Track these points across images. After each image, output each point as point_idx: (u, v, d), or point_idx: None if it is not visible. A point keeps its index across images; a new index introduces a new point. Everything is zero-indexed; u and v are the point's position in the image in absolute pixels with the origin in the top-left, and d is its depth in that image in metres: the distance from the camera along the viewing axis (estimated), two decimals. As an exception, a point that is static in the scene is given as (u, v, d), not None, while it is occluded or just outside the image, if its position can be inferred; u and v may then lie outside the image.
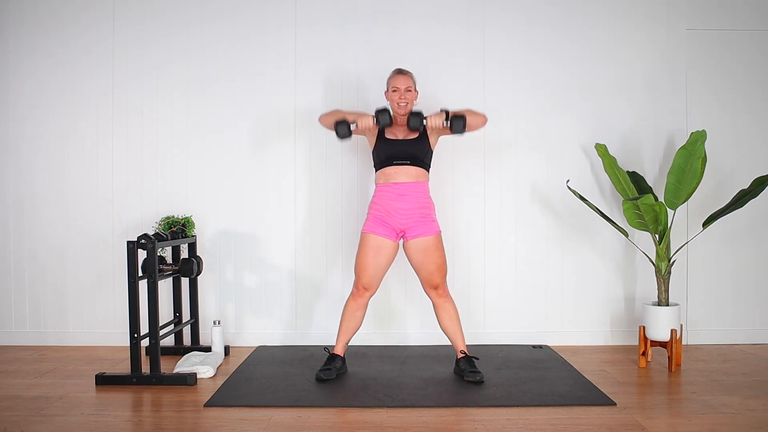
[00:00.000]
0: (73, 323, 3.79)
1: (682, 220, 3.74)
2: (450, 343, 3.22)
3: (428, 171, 3.15)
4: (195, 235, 3.59)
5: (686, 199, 3.35)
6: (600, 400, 2.74)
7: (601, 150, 3.49)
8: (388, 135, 3.15)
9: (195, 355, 3.30)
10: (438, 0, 3.77)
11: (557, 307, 3.79)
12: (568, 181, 3.61)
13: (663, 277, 3.32)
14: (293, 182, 3.77)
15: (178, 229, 3.38)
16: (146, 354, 3.20)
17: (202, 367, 3.12)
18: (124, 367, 3.26)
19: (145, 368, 3.10)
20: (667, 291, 3.32)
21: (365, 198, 3.69)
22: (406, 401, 2.73)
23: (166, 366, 3.23)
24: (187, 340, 3.69)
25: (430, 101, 3.70)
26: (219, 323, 3.49)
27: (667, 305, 3.30)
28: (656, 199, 3.20)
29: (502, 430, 2.42)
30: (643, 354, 3.30)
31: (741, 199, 3.32)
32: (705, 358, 3.48)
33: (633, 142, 3.77)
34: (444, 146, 3.70)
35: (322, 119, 3.20)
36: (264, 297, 3.78)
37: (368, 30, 3.76)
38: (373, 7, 3.76)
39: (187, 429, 2.45)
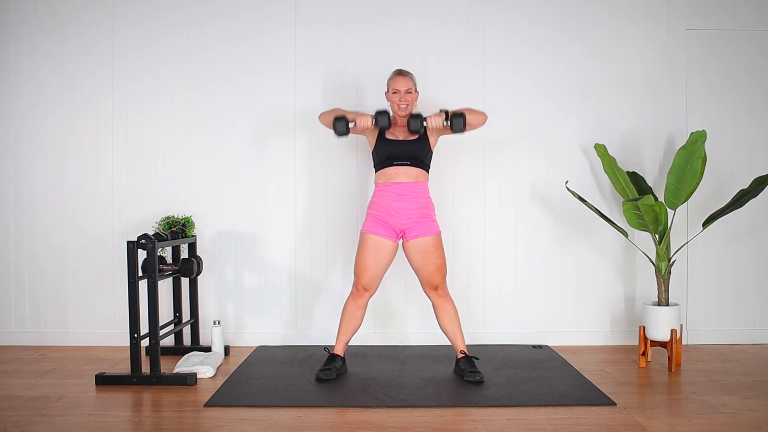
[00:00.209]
0: (73, 323, 3.79)
1: (682, 220, 3.74)
2: (450, 343, 3.22)
3: (428, 171, 3.16)
4: (195, 235, 3.59)
5: (686, 199, 3.35)
6: (600, 400, 2.74)
7: (601, 150, 3.49)
8: (389, 135, 3.15)
9: (195, 355, 3.30)
10: (438, 0, 3.77)
11: (557, 307, 3.79)
12: (567, 182, 3.61)
13: (663, 277, 3.32)
14: (293, 182, 3.77)
15: (178, 229, 3.38)
16: (146, 354, 3.20)
17: (202, 367, 3.12)
18: (124, 367, 3.26)
19: (145, 368, 3.10)
20: (667, 291, 3.32)
21: (365, 198, 3.69)
22: (406, 401, 2.73)
23: (166, 366, 3.23)
24: (187, 340, 3.69)
25: (430, 101, 3.70)
26: (219, 323, 3.49)
27: (667, 305, 3.30)
28: (656, 199, 3.20)
29: (502, 430, 2.42)
30: (643, 354, 3.30)
31: (741, 199, 3.32)
32: (705, 358, 3.48)
33: (633, 142, 3.77)
34: (444, 146, 3.70)
35: (322, 117, 3.20)
36: (264, 297, 3.78)
37: (368, 30, 3.76)
38: (373, 7, 3.76)
39: (187, 429, 2.45)
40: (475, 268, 3.76)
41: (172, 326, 3.54)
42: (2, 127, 3.79)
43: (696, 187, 3.32)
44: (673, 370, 3.20)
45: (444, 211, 3.66)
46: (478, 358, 3.14)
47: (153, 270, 3.05)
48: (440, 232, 3.14)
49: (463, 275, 3.74)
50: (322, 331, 3.72)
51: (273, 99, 3.76)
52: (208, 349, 3.51)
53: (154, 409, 2.72)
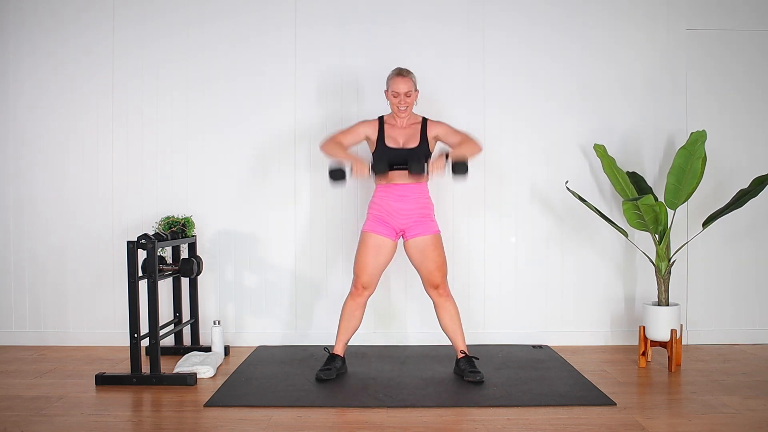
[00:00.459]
0: (73, 323, 3.79)
1: (682, 220, 3.74)
2: (450, 343, 3.22)
3: (428, 173, 3.15)
4: (195, 235, 3.59)
5: (686, 199, 3.35)
6: (600, 400, 2.74)
7: (600, 150, 3.49)
8: (389, 141, 3.12)
9: (195, 355, 3.30)
10: (438, 0, 3.76)
11: (557, 307, 3.79)
12: (567, 182, 3.61)
13: (663, 277, 3.32)
14: (293, 182, 3.77)
15: (178, 229, 3.38)
16: (146, 354, 3.20)
17: (202, 367, 3.12)
18: (124, 367, 3.26)
19: (145, 368, 3.10)
20: (667, 291, 3.32)
21: (365, 197, 3.69)
22: (406, 401, 2.73)
23: (166, 366, 3.23)
24: (187, 340, 3.69)
25: (430, 101, 3.70)
26: (219, 323, 3.49)
27: (667, 305, 3.30)
28: (656, 199, 3.20)
29: (502, 430, 2.42)
30: (643, 354, 3.30)
31: (741, 198, 3.32)
32: (705, 358, 3.48)
33: (633, 142, 3.77)
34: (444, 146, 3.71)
35: (323, 148, 3.17)
36: (264, 297, 3.78)
37: (368, 30, 3.76)
38: (373, 7, 3.76)
39: (187, 429, 2.45)
40: (475, 268, 3.76)
41: (172, 326, 3.54)
42: (2, 127, 3.79)
43: (696, 187, 3.32)
44: (673, 370, 3.20)
45: (444, 211, 3.67)
46: (478, 358, 3.14)
47: (153, 270, 3.05)
48: (439, 231, 3.14)
49: (463, 275, 3.74)
50: (322, 331, 3.72)
51: (273, 99, 3.76)
52: (208, 349, 3.51)
53: (154, 409, 2.72)
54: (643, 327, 3.31)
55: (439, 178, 3.15)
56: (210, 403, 2.72)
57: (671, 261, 3.36)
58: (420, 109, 3.77)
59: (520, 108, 3.77)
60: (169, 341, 3.65)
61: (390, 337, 3.77)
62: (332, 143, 3.14)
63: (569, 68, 3.77)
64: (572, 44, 3.77)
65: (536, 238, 3.78)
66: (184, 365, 3.14)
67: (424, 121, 3.19)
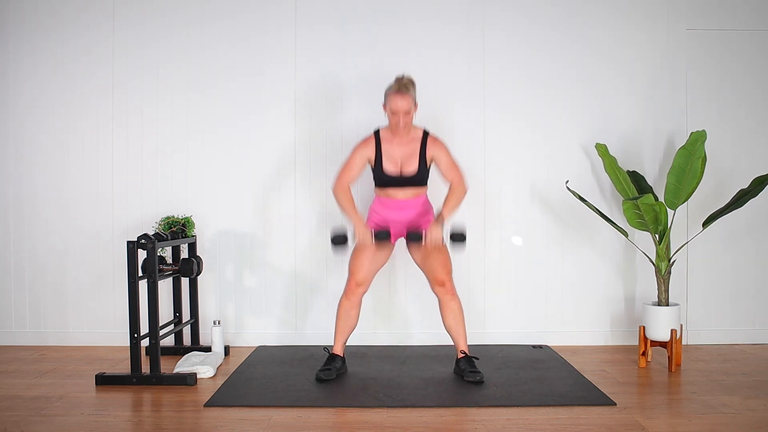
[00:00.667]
0: (73, 323, 3.79)
1: (682, 220, 3.74)
2: (450, 343, 3.22)
3: (426, 184, 3.14)
4: (195, 235, 3.59)
5: (686, 199, 3.35)
6: (600, 400, 2.74)
7: (602, 150, 3.49)
8: (387, 163, 3.06)
9: (195, 355, 3.30)
10: (438, 0, 3.76)
11: (557, 307, 3.79)
12: (567, 182, 3.61)
13: (663, 277, 3.32)
14: (293, 182, 3.77)
15: (178, 229, 3.38)
16: (146, 354, 3.20)
17: (202, 367, 3.12)
18: (124, 367, 3.26)
19: (145, 368, 3.09)
20: (667, 291, 3.32)
21: (365, 197, 3.69)
22: (406, 401, 2.73)
23: (166, 366, 3.23)
24: (187, 340, 3.69)
25: (430, 102, 3.71)
26: (219, 323, 3.49)
27: (667, 305, 3.30)
28: (656, 199, 3.20)
29: (502, 430, 2.42)
30: (643, 354, 3.30)
31: (741, 198, 3.32)
32: (705, 358, 3.48)
33: (633, 142, 3.77)
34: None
35: (336, 197, 3.10)
36: (264, 297, 3.78)
37: (368, 30, 3.76)
38: (373, 7, 3.76)
39: (187, 429, 2.45)
40: (475, 267, 3.76)
41: (172, 326, 3.54)
42: (2, 127, 3.79)
43: (696, 187, 3.32)
44: (673, 370, 3.20)
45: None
46: (477, 358, 3.14)
47: (153, 270, 3.05)
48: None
49: (463, 275, 3.74)
50: (322, 331, 3.72)
51: (273, 99, 3.76)
52: (208, 349, 3.51)
53: (154, 409, 2.72)
54: (643, 327, 3.31)
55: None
56: (210, 403, 2.72)
57: (671, 261, 3.36)
58: (420, 111, 3.77)
59: (520, 108, 3.77)
60: (169, 341, 3.65)
61: (390, 337, 3.76)
62: (343, 192, 3.07)
63: (569, 68, 3.77)
64: (572, 44, 3.77)
65: (536, 238, 3.78)
66: (184, 365, 3.14)
67: (425, 137, 3.10)
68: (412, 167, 3.07)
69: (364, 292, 3.14)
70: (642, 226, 3.31)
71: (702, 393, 2.85)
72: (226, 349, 3.55)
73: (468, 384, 2.96)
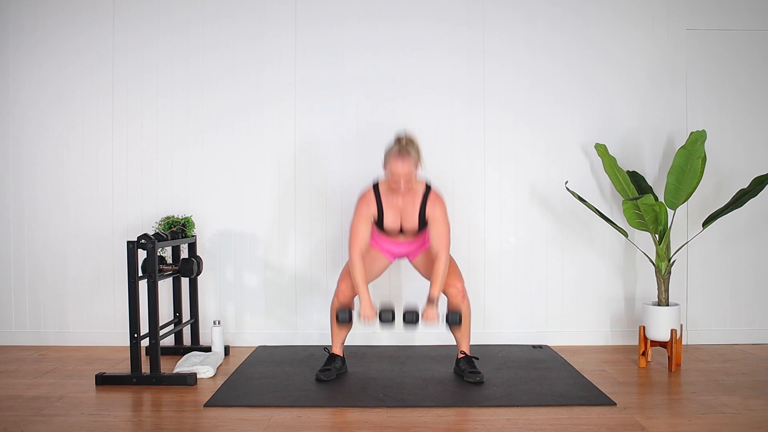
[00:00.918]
0: (73, 323, 3.79)
1: (682, 220, 3.74)
2: (450, 343, 3.22)
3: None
4: (195, 235, 3.59)
5: (686, 199, 3.35)
6: (600, 400, 2.74)
7: (601, 150, 3.49)
8: (387, 220, 3.01)
9: (195, 355, 3.30)
10: (438, 0, 3.76)
11: (557, 307, 3.79)
12: (567, 182, 3.61)
13: (663, 277, 3.32)
14: (293, 181, 3.77)
15: (178, 229, 3.38)
16: (146, 354, 3.21)
17: (202, 367, 3.12)
18: (124, 367, 3.26)
19: (145, 368, 3.10)
20: (667, 291, 3.32)
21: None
22: (406, 401, 2.73)
23: (166, 366, 3.23)
24: (187, 340, 3.69)
25: (430, 102, 3.71)
26: (219, 323, 3.49)
27: (667, 305, 3.30)
28: (656, 199, 3.20)
29: (502, 430, 2.42)
30: (643, 354, 3.30)
31: (740, 198, 3.32)
32: (705, 358, 3.48)
33: (633, 142, 3.77)
34: (443, 146, 3.72)
35: (351, 267, 2.99)
36: (264, 297, 3.78)
37: (368, 29, 3.76)
38: (373, 6, 3.76)
39: (187, 429, 2.45)
40: (475, 268, 3.76)
41: (172, 326, 3.54)
42: (2, 127, 3.79)
43: (696, 187, 3.33)
44: (673, 370, 3.20)
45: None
46: (477, 358, 3.14)
47: (153, 270, 3.05)
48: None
49: (463, 275, 3.72)
50: (322, 331, 3.72)
51: (273, 99, 3.76)
52: (208, 349, 3.51)
53: (154, 409, 2.72)
54: (643, 327, 3.31)
55: (431, 326, 3.05)
56: (210, 403, 2.72)
57: (671, 261, 3.36)
58: (421, 111, 3.78)
59: (520, 107, 3.77)
60: (169, 341, 3.65)
61: (390, 337, 3.76)
62: (359, 263, 2.97)
63: (569, 68, 3.77)
64: (572, 44, 3.77)
65: (536, 238, 3.78)
66: (184, 365, 3.14)
67: (426, 193, 2.99)
68: (412, 224, 3.02)
69: (355, 296, 3.09)
70: (642, 226, 3.31)
71: (702, 393, 2.85)
72: (226, 349, 3.55)
73: (468, 384, 2.96)
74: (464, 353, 3.10)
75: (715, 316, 3.80)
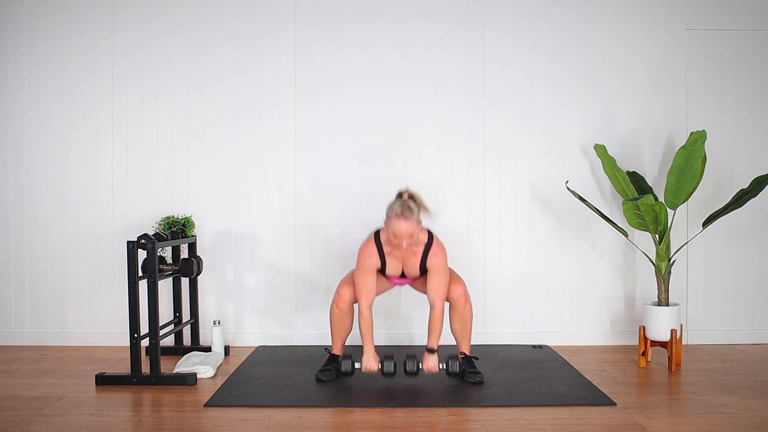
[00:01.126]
0: (73, 323, 3.79)
1: (682, 220, 3.74)
2: (450, 343, 3.22)
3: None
4: (195, 235, 3.59)
5: (686, 199, 3.35)
6: (600, 400, 2.74)
7: (600, 150, 3.49)
8: (389, 270, 3.02)
9: (195, 355, 3.30)
10: (438, 0, 3.76)
11: (557, 307, 3.79)
12: (567, 182, 3.61)
13: (663, 277, 3.32)
14: (293, 181, 3.77)
15: (178, 229, 3.38)
16: (146, 354, 3.20)
17: (202, 367, 3.12)
18: (124, 367, 3.26)
19: (145, 368, 3.10)
20: (667, 291, 3.32)
21: (366, 197, 3.69)
22: (406, 401, 2.73)
23: (166, 366, 3.23)
24: (187, 340, 3.69)
25: (430, 101, 3.71)
26: (219, 323, 3.49)
27: (667, 305, 3.29)
28: (656, 199, 3.20)
29: (502, 430, 2.42)
30: (643, 354, 3.30)
31: (740, 198, 3.32)
32: (705, 358, 3.48)
33: (633, 142, 3.77)
34: (443, 145, 3.72)
35: (360, 319, 2.97)
36: (264, 297, 3.78)
37: (368, 29, 3.76)
38: (373, 6, 3.76)
39: (187, 429, 2.45)
40: (475, 268, 3.76)
41: (172, 326, 3.54)
42: (2, 127, 3.78)
43: (696, 187, 3.33)
44: (673, 370, 3.20)
45: (444, 211, 3.67)
46: (477, 358, 3.13)
47: (153, 270, 3.05)
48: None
49: (463, 276, 3.71)
50: (322, 331, 3.71)
51: (273, 99, 3.76)
52: (208, 349, 3.51)
53: (154, 409, 2.72)
54: (643, 327, 3.31)
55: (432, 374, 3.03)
56: (210, 403, 2.72)
57: (671, 261, 3.36)
58: (421, 111, 3.78)
59: (520, 107, 3.77)
60: (169, 341, 3.65)
61: (391, 338, 3.76)
62: (368, 316, 2.94)
63: (569, 68, 3.77)
64: (572, 44, 3.77)
65: (536, 238, 3.78)
66: (184, 365, 3.14)
67: (428, 244, 2.96)
68: (413, 271, 3.03)
69: (354, 301, 3.07)
70: (642, 226, 3.31)
71: (702, 393, 2.85)
72: (226, 349, 3.55)
73: (468, 384, 2.96)
74: (464, 353, 3.09)
75: (715, 316, 3.80)
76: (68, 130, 3.78)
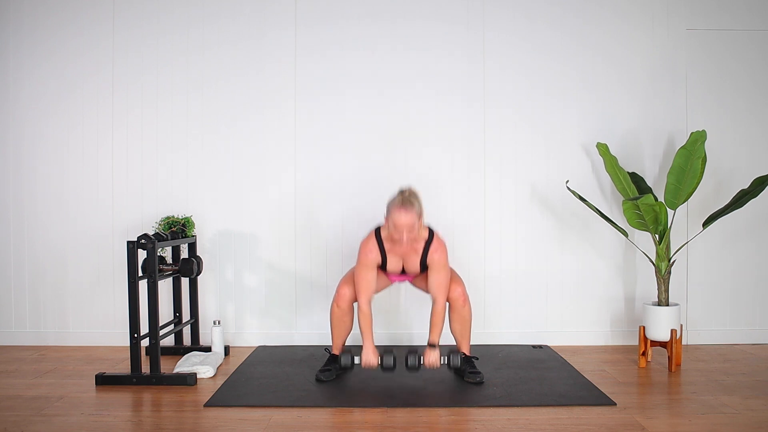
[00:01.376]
0: (73, 323, 3.79)
1: (682, 220, 3.74)
2: (450, 343, 3.22)
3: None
4: (195, 235, 3.59)
5: (686, 199, 3.35)
6: (600, 400, 2.74)
7: (602, 149, 3.49)
8: (390, 265, 3.02)
9: (195, 355, 3.30)
10: (438, 0, 3.76)
11: (557, 307, 3.79)
12: (567, 181, 3.61)
13: (663, 277, 3.32)
14: (293, 181, 3.77)
15: (178, 229, 3.38)
16: (146, 354, 3.20)
17: (202, 367, 3.12)
18: (124, 367, 3.26)
19: (145, 368, 3.10)
20: (667, 291, 3.32)
21: (366, 196, 3.69)
22: (406, 401, 2.73)
23: (166, 366, 3.23)
24: (187, 340, 3.69)
25: (430, 101, 3.71)
26: (219, 323, 3.49)
27: (667, 305, 3.29)
28: (656, 199, 3.20)
29: (502, 430, 2.42)
30: (643, 354, 3.30)
31: (741, 199, 3.32)
32: (705, 358, 3.48)
33: (633, 142, 3.77)
34: (443, 145, 3.72)
35: (360, 314, 2.97)
36: (264, 297, 3.78)
37: (368, 29, 3.76)
38: (373, 6, 3.76)
39: (187, 429, 2.45)
40: (475, 268, 3.76)
41: (172, 326, 3.54)
42: (2, 127, 3.79)
43: (696, 187, 3.32)
44: (673, 370, 3.20)
45: (444, 211, 3.67)
46: (477, 358, 3.14)
47: (153, 270, 3.05)
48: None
49: (463, 275, 3.71)
50: (322, 331, 3.71)
51: (273, 99, 3.76)
52: (208, 349, 3.51)
53: (154, 409, 2.72)
54: (643, 327, 3.31)
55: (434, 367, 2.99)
56: (210, 403, 2.72)
57: (671, 261, 3.36)
58: (421, 112, 3.78)
59: (520, 107, 3.77)
60: (169, 341, 3.65)
61: (391, 338, 3.76)
62: (367, 310, 2.94)
63: (569, 68, 3.77)
64: (572, 43, 3.77)
65: (536, 238, 3.78)
66: (184, 365, 3.14)
67: (429, 240, 2.98)
68: (414, 267, 3.04)
69: (354, 300, 3.08)
70: (642, 226, 3.31)
71: (702, 393, 2.85)
72: (226, 349, 3.55)
73: (468, 384, 2.96)
74: (464, 353, 3.09)
75: (715, 316, 3.80)
76: (68, 130, 3.78)
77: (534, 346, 3.69)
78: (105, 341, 3.76)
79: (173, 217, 3.45)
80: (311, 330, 3.77)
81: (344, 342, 3.15)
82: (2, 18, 3.77)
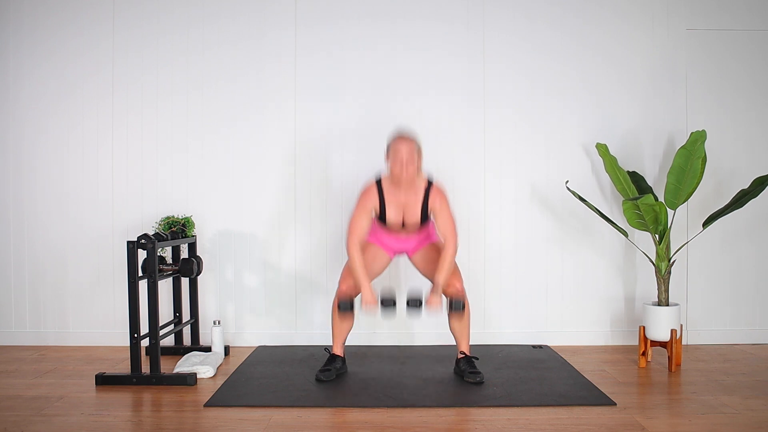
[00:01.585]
0: (73, 323, 3.79)
1: (682, 220, 3.74)
2: (450, 343, 3.22)
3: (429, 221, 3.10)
4: (195, 235, 3.59)
5: (686, 199, 3.35)
6: (600, 400, 2.74)
7: (602, 149, 3.49)
8: (389, 214, 3.02)
9: (195, 355, 3.30)
10: (438, 0, 3.76)
11: (557, 307, 3.79)
12: (567, 182, 3.61)
13: (663, 277, 3.32)
14: (293, 181, 3.77)
15: (178, 229, 3.38)
16: (146, 354, 3.21)
17: (202, 367, 3.12)
18: (124, 367, 3.26)
19: (145, 368, 3.10)
20: (667, 291, 3.32)
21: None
22: (406, 401, 2.73)
23: (166, 366, 3.23)
24: (187, 340, 3.69)
25: (430, 101, 3.71)
26: (219, 323, 3.49)
27: (667, 305, 3.29)
28: (656, 199, 3.20)
29: (502, 430, 2.42)
30: (643, 354, 3.30)
31: (741, 199, 3.32)
32: (705, 358, 3.48)
33: (633, 142, 3.77)
34: (443, 146, 3.72)
35: (350, 256, 2.99)
36: (264, 297, 3.78)
37: (368, 29, 3.76)
38: (373, 6, 3.76)
39: (187, 429, 2.45)
40: (475, 268, 3.76)
41: (172, 326, 3.54)
42: (2, 127, 3.79)
43: (696, 187, 3.33)
44: (673, 370, 3.20)
45: (444, 211, 3.67)
46: (477, 358, 3.14)
47: (153, 270, 3.05)
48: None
49: (463, 275, 3.72)
50: (322, 331, 3.72)
51: (273, 99, 3.76)
52: (208, 349, 3.51)
53: (154, 409, 2.72)
54: (643, 327, 3.31)
55: (434, 312, 3.04)
56: (210, 403, 2.72)
57: (671, 261, 3.36)
58: (421, 112, 3.78)
59: (520, 107, 3.77)
60: (169, 341, 3.65)
61: (390, 337, 3.76)
62: (356, 253, 2.96)
63: (569, 68, 3.77)
64: (572, 43, 3.77)
65: (536, 238, 3.78)
66: (184, 365, 3.14)
67: (428, 188, 3.02)
68: (414, 217, 3.04)
69: (357, 295, 3.10)
70: (642, 226, 3.31)
71: (702, 393, 2.85)
72: (226, 349, 3.55)
73: (468, 384, 2.96)
74: (464, 353, 3.10)
75: (715, 316, 3.80)
76: (68, 130, 3.78)
77: (534, 346, 3.69)
78: (105, 341, 3.76)
79: (173, 217, 3.45)
80: (311, 330, 3.77)
81: (344, 341, 3.16)
82: (2, 18, 3.77)
